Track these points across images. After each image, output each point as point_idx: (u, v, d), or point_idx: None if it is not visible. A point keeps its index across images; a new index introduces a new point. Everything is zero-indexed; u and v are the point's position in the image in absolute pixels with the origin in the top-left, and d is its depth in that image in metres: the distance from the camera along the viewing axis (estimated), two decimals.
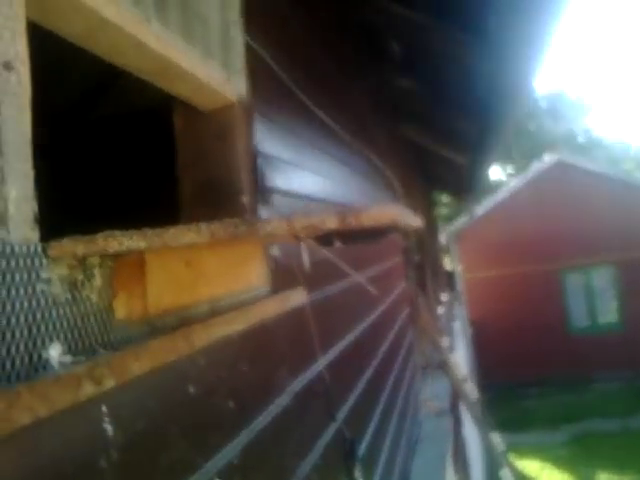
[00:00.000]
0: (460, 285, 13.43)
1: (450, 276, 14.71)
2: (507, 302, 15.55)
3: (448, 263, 16.26)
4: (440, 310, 10.58)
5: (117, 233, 0.72)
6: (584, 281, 15.44)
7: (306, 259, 0.89)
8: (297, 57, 2.29)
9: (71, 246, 0.70)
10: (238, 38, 1.59)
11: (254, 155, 1.54)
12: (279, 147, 1.85)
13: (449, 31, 3.45)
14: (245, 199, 1.37)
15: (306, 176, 2.17)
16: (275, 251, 1.50)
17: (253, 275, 1.30)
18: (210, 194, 1.40)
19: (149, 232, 0.72)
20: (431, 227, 12.63)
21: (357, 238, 0.78)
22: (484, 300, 15.78)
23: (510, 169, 30.04)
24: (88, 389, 0.65)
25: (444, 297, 12.58)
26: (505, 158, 29.27)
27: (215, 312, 1.06)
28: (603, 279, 15.27)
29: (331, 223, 0.68)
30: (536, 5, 2.29)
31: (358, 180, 3.43)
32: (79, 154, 3.67)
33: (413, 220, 0.87)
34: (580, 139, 31.85)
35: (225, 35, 1.53)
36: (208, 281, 1.03)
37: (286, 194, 1.81)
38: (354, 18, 3.79)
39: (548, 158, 16.15)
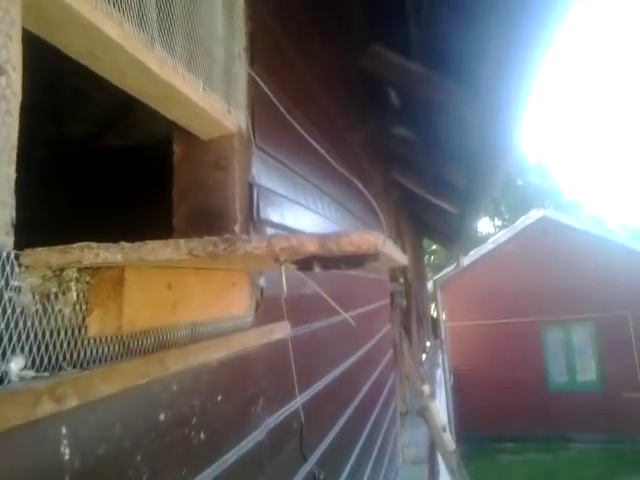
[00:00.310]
0: (444, 333, 13.44)
1: (435, 323, 14.71)
2: (488, 353, 15.61)
3: (434, 310, 16.29)
4: (424, 356, 10.50)
5: (93, 245, 0.70)
6: (564, 337, 15.50)
7: (285, 285, 0.87)
8: (299, 96, 2.32)
9: (46, 255, 0.68)
10: (241, 72, 1.61)
11: (250, 186, 1.54)
12: (275, 181, 1.85)
13: (444, 82, 3.56)
14: (237, 229, 1.36)
15: (300, 212, 2.17)
16: (262, 281, 1.48)
17: (237, 304, 1.28)
18: (203, 222, 1.39)
19: (126, 245, 0.70)
20: (420, 274, 12.67)
21: (338, 264, 0.77)
22: (466, 350, 15.82)
23: (498, 222, 30.48)
24: (47, 407, 0.61)
25: (428, 344, 12.53)
26: (494, 211, 29.79)
27: (194, 338, 1.03)
28: (583, 336, 15.31)
29: (311, 246, 0.67)
30: (522, 65, 2.38)
31: (352, 220, 3.45)
32: (89, 180, 3.78)
33: (397, 254, 0.86)
34: (565, 197, 32.51)
35: (229, 68, 1.54)
36: (190, 305, 1.00)
37: (279, 228, 1.81)
38: (355, 64, 3.87)
39: (534, 214, 16.50)
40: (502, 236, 16.90)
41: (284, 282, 0.84)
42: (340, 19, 3.45)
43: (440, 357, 12.37)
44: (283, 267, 0.78)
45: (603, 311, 14.74)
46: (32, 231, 0.87)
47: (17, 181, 0.68)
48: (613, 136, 76.31)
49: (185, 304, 0.97)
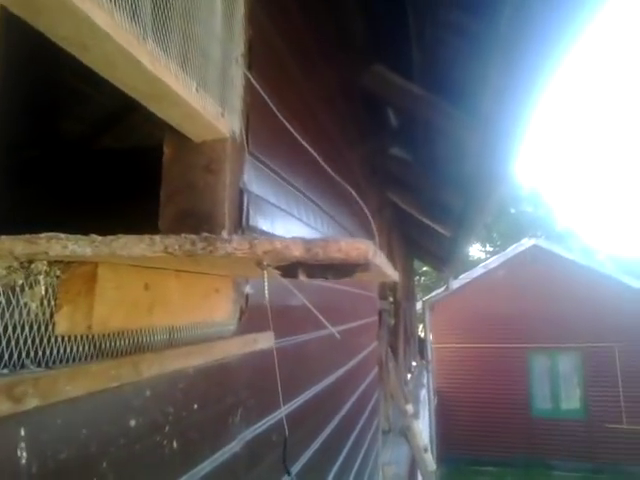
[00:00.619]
0: (430, 354, 13.42)
1: (422, 344, 14.69)
2: (474, 376, 15.63)
3: (421, 331, 16.29)
4: (409, 376, 10.45)
5: (62, 236, 0.65)
6: (550, 364, 15.52)
7: (267, 292, 0.84)
8: (296, 107, 2.31)
9: (9, 244, 0.64)
10: (238, 77, 1.59)
11: (240, 192, 1.51)
12: (267, 189, 1.82)
13: (444, 106, 3.57)
14: (225, 234, 1.33)
15: (292, 223, 2.14)
16: (248, 289, 1.44)
17: (220, 310, 1.24)
18: (190, 225, 1.36)
19: (97, 239, 0.66)
20: (409, 294, 12.65)
21: (325, 273, 0.73)
22: (452, 371, 15.82)
23: (490, 248, 30.62)
24: (3, 407, 0.57)
25: (414, 364, 12.50)
26: (486, 237, 29.97)
27: (172, 343, 0.99)
28: (568, 364, 15.33)
29: (296, 251, 0.64)
30: (522, 96, 2.38)
31: (344, 235, 3.42)
32: (82, 180, 3.74)
33: (388, 267, 0.82)
34: (557, 227, 32.72)
35: (225, 71, 1.52)
36: (168, 308, 0.96)
37: (268, 237, 1.77)
38: (356, 82, 3.88)
39: (525, 241, 16.64)
40: (493, 262, 17.00)
41: (266, 288, 0.81)
42: (343, 37, 3.45)
43: (425, 377, 12.35)
44: (266, 272, 0.75)
45: (590, 341, 14.77)
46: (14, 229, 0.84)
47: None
48: (608, 166, 77.21)
49: (163, 307, 0.93)
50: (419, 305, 15.78)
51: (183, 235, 0.66)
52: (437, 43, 3.24)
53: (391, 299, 7.99)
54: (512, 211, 29.80)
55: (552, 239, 20.66)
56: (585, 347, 14.90)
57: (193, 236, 0.66)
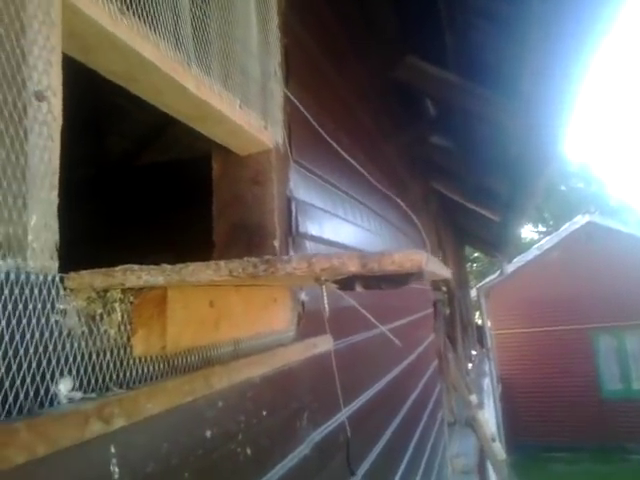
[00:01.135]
0: (490, 341, 13.16)
1: (480, 332, 14.43)
2: (537, 361, 15.20)
3: (478, 319, 16.00)
4: (470, 366, 10.31)
5: (135, 267, 0.71)
6: (616, 344, 14.91)
7: (326, 303, 0.86)
8: (334, 110, 2.33)
9: (89, 278, 0.69)
10: (277, 89, 1.62)
11: (288, 201, 1.55)
12: (313, 195, 1.86)
13: (481, 92, 3.52)
14: (277, 243, 1.37)
15: (339, 224, 2.17)
16: (303, 296, 1.48)
17: (279, 319, 1.28)
18: (243, 236, 1.41)
19: (168, 268, 0.70)
20: (462, 282, 12.47)
21: (380, 284, 0.75)
22: (513, 357, 15.44)
23: (542, 229, 29.79)
24: (95, 428, 0.62)
25: (474, 352, 12.30)
26: (537, 218, 29.14)
27: (238, 354, 1.04)
28: (636, 343, 14.70)
29: (352, 266, 0.66)
30: (564, 70, 2.32)
31: (391, 231, 3.43)
32: (128, 196, 3.84)
33: (441, 269, 0.84)
34: (611, 202, 31.51)
35: (264, 84, 1.56)
36: (232, 322, 1.00)
37: (319, 241, 1.81)
38: (390, 75, 3.87)
39: (579, 219, 16.04)
40: (547, 242, 16.47)
41: (325, 302, 0.83)
42: (374, 31, 3.45)
43: (487, 366, 12.13)
44: (324, 287, 0.77)
45: None
46: (73, 250, 0.89)
47: (58, 204, 0.70)
48: None
49: (227, 321, 0.98)
50: (474, 292, 15.50)
51: (246, 259, 0.70)
52: (469, 29, 3.20)
53: (445, 289, 7.90)
54: (562, 188, 28.91)
55: (606, 215, 19.96)
56: None
57: (255, 259, 0.69)
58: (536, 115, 2.86)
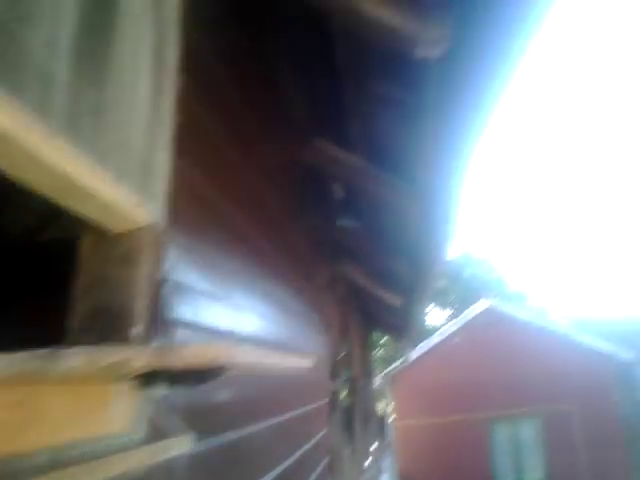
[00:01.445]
0: (391, 434, 12.85)
1: (382, 423, 14.16)
2: (436, 455, 14.94)
3: (381, 408, 15.80)
4: (368, 462, 9.99)
5: None
6: (512, 433, 15.09)
7: (182, 396, 0.75)
8: (233, 188, 2.28)
9: None
10: (162, 163, 1.54)
11: (159, 283, 1.43)
12: (195, 276, 1.74)
13: (384, 176, 3.66)
14: (136, 330, 1.23)
15: (225, 310, 2.04)
16: (158, 389, 1.33)
17: (120, 419, 1.12)
18: (100, 322, 1.26)
19: None
20: (367, 369, 12.39)
21: (186, 379, 0.66)
22: (414, 451, 15.10)
23: (449, 311, 30.84)
24: None
25: (373, 446, 11.91)
26: (443, 303, 30.23)
27: (56, 464, 0.87)
28: (530, 432, 14.92)
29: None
30: (451, 161, 2.44)
31: (289, 318, 3.31)
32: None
33: (280, 359, 0.76)
34: (509, 289, 33.33)
35: (148, 158, 1.47)
36: (48, 425, 0.85)
37: (195, 328, 1.67)
38: (298, 158, 3.92)
39: (481, 304, 16.56)
40: (449, 328, 16.87)
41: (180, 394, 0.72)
42: (283, 114, 3.50)
43: (387, 461, 11.78)
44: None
45: (549, 405, 14.55)
46: None
47: None
48: (553, 226, 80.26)
49: (41, 424, 0.82)
50: (379, 380, 15.39)
51: (24, 352, 0.58)
52: (371, 114, 3.33)
53: (346, 377, 7.73)
54: (466, 275, 30.35)
55: (506, 300, 20.85)
56: (544, 411, 14.65)
57: (34, 352, 0.58)
58: (428, 200, 2.98)
